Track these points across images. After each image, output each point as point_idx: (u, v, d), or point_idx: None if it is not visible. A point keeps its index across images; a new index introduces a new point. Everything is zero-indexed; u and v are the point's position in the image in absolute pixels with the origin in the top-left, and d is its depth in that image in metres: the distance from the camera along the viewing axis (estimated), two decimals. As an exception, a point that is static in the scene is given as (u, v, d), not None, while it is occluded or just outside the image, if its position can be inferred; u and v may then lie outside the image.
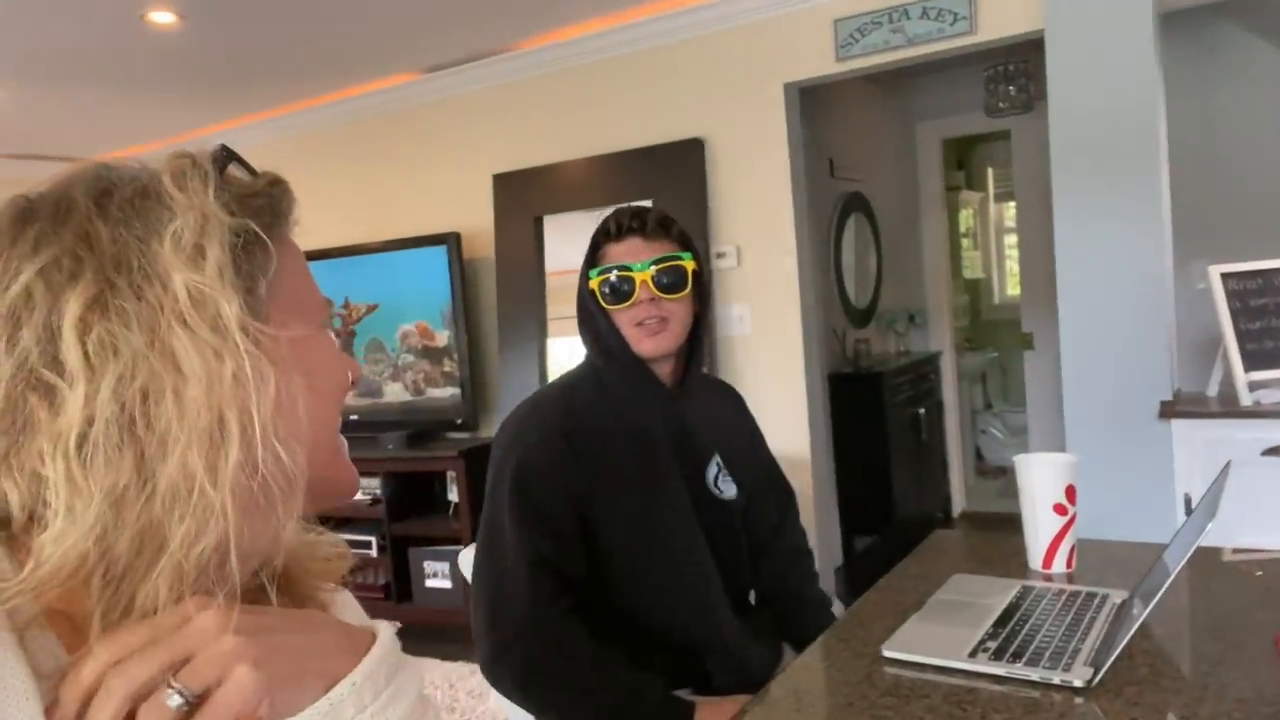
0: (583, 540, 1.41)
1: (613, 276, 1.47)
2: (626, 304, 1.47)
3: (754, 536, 1.65)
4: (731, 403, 1.73)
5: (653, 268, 1.47)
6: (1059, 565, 1.45)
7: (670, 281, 1.48)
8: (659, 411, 1.51)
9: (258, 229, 0.57)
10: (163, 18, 3.12)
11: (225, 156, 0.60)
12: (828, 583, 3.62)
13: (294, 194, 0.64)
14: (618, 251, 1.49)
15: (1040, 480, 1.46)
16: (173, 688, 0.47)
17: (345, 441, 0.65)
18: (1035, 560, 1.47)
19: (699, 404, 1.57)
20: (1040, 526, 1.46)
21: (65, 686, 0.48)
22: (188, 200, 0.55)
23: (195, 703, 0.48)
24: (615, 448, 1.45)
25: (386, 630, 0.58)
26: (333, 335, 0.65)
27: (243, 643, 0.49)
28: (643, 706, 1.34)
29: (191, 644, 0.49)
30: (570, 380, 1.55)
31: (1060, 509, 1.45)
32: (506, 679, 1.34)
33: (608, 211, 1.57)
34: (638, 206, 1.55)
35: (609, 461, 1.44)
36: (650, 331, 1.47)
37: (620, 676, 1.36)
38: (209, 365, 0.52)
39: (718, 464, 1.56)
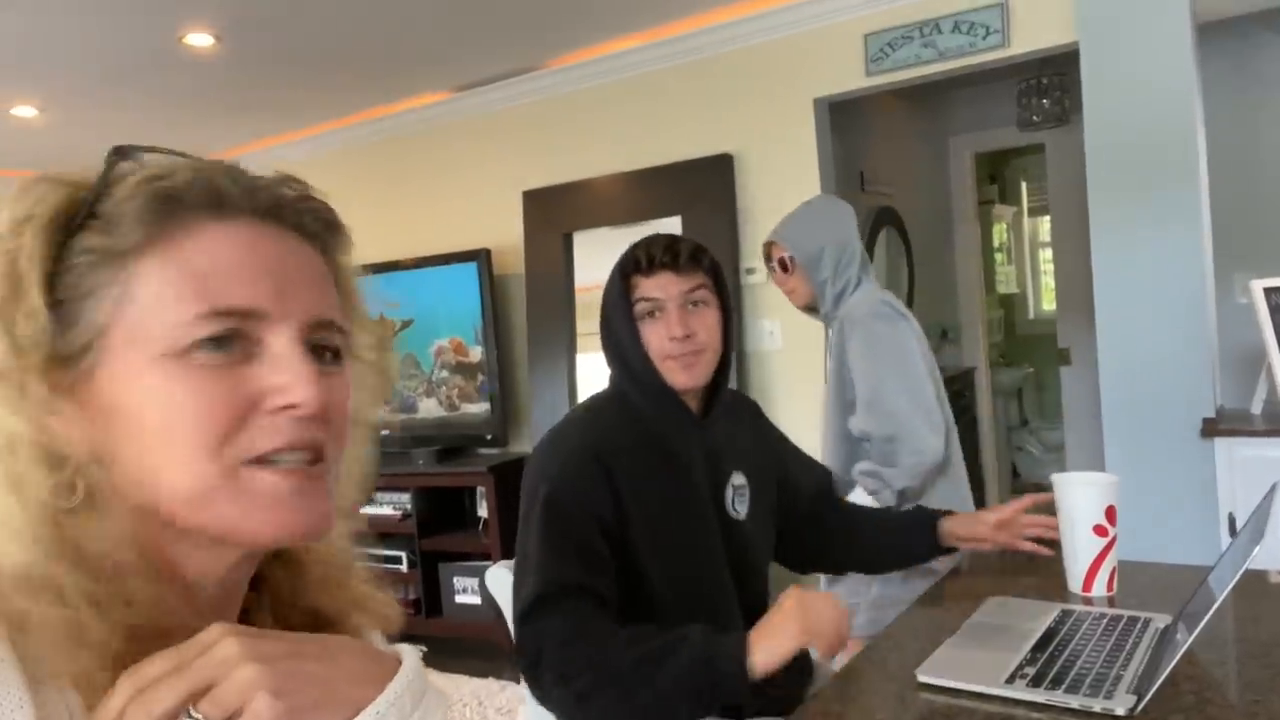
0: (618, 561, 1.39)
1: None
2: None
3: (803, 519, 1.70)
4: (749, 416, 1.72)
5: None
6: (1099, 588, 1.41)
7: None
8: (689, 437, 1.50)
9: (104, 247, 0.54)
10: (200, 40, 3.18)
11: (115, 157, 0.57)
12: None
13: (211, 176, 0.57)
14: (648, 285, 1.46)
15: (1079, 501, 1.42)
16: (193, 718, 0.47)
17: (275, 482, 0.56)
18: (1075, 583, 1.43)
19: (721, 426, 1.56)
20: (1079, 548, 1.43)
21: None
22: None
23: None
24: (648, 473, 1.43)
25: (412, 655, 0.56)
26: (210, 360, 0.55)
27: (264, 671, 0.48)
28: (685, 652, 1.25)
29: (212, 672, 0.48)
30: (600, 404, 1.53)
31: (1100, 530, 1.41)
32: (543, 691, 1.30)
33: (638, 228, 1.55)
34: (669, 237, 1.51)
35: (644, 487, 1.42)
36: (685, 365, 1.46)
37: (654, 636, 1.28)
38: None
39: (733, 486, 1.55)
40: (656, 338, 1.46)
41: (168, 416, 0.53)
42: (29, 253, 0.53)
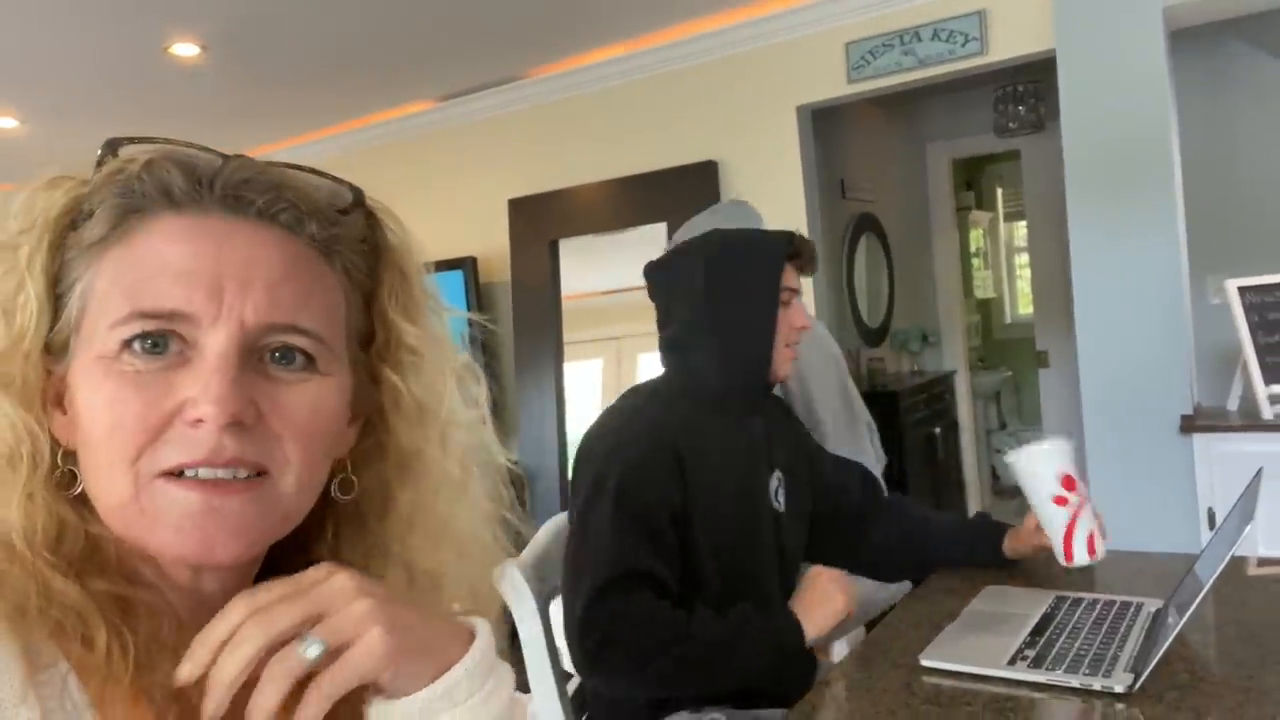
0: (680, 548, 1.41)
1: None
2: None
3: (856, 518, 1.70)
4: (782, 413, 1.74)
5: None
6: (1080, 555, 1.42)
7: None
8: (746, 428, 1.53)
9: (79, 239, 0.55)
10: (186, 50, 3.18)
11: (107, 150, 0.57)
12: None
13: (162, 167, 0.55)
14: (791, 276, 1.52)
15: (1032, 476, 1.44)
16: (312, 638, 0.48)
17: (183, 498, 0.52)
18: (1058, 557, 1.45)
19: (763, 420, 1.59)
20: (1048, 521, 1.45)
21: (197, 642, 0.49)
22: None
23: (325, 660, 0.49)
24: (713, 463, 1.45)
25: (485, 625, 0.58)
26: (130, 366, 0.52)
27: (377, 607, 0.50)
28: (752, 634, 1.33)
29: (328, 602, 0.50)
30: (663, 392, 1.53)
31: (1060, 500, 1.42)
32: (613, 671, 1.32)
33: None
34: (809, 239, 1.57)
35: (709, 477, 1.44)
36: (791, 357, 1.53)
37: (720, 621, 1.34)
38: None
39: (778, 477, 1.58)
40: (786, 325, 1.51)
41: (93, 423, 0.52)
42: (32, 246, 0.54)
